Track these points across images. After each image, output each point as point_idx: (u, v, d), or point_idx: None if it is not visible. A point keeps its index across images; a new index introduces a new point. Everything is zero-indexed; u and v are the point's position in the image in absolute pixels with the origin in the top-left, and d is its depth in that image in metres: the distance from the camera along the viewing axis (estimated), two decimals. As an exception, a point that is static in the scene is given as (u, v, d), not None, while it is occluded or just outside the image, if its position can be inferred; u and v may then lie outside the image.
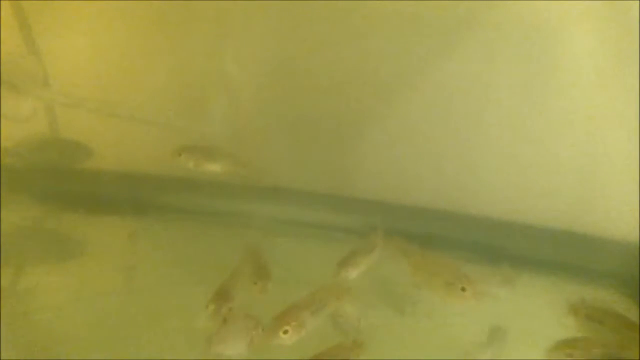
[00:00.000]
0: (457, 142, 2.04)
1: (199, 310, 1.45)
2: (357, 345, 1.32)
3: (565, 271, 1.90)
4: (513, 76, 1.93)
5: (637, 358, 1.32)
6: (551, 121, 1.95)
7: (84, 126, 2.08)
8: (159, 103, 2.10)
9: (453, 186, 2.05)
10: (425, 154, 2.08)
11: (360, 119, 2.05)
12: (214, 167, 1.71)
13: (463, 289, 1.38)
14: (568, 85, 1.90)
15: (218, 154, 1.73)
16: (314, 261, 1.79)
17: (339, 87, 2.02)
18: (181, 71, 2.08)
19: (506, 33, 1.89)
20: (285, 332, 1.26)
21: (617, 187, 1.92)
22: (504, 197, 1.99)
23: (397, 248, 1.60)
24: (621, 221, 1.90)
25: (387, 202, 2.08)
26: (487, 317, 1.60)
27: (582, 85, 1.89)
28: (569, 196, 1.97)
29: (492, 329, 1.60)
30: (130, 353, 1.38)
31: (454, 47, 1.91)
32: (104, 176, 2.12)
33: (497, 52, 1.92)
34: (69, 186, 2.12)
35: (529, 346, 1.51)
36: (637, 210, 1.83)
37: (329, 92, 2.04)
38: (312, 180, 2.08)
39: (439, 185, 2.06)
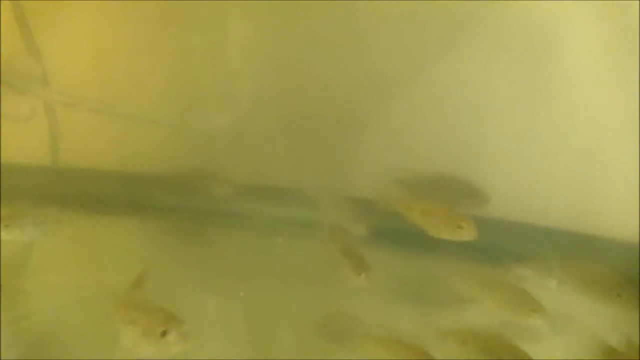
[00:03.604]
0: (456, 142, 2.04)
1: (198, 310, 1.45)
2: None
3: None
4: (513, 76, 1.93)
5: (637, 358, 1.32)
6: (551, 121, 1.95)
7: (84, 126, 2.08)
8: (159, 103, 2.10)
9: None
10: (425, 153, 2.08)
11: (360, 119, 2.05)
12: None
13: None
14: (568, 85, 1.90)
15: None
16: (314, 261, 1.78)
17: (339, 87, 2.02)
18: (181, 71, 2.08)
19: (506, 33, 1.89)
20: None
21: (617, 187, 1.92)
22: (504, 197, 1.99)
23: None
24: (621, 221, 1.90)
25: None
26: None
27: (582, 85, 1.89)
28: (569, 196, 1.97)
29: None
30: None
31: (454, 47, 1.91)
32: (104, 176, 2.12)
33: (497, 52, 1.92)
34: (69, 186, 2.12)
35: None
36: (637, 210, 1.83)
37: (329, 92, 2.04)
38: (312, 180, 2.08)
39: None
